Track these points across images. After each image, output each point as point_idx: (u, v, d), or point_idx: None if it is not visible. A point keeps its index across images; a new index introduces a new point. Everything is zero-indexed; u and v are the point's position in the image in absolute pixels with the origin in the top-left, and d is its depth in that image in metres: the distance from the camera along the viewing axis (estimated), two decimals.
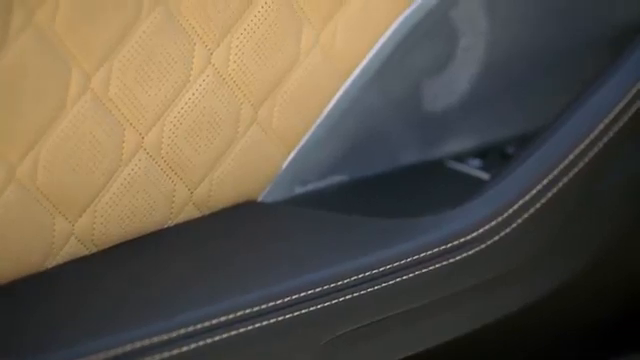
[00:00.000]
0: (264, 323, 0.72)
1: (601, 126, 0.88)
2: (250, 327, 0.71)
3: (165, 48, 0.74)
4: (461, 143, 0.98)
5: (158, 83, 0.75)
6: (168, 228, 0.80)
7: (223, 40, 0.77)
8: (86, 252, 0.76)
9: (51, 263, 0.74)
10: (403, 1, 0.87)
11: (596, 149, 0.88)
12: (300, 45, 0.82)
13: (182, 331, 0.68)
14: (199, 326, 0.69)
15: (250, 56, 0.79)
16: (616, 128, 0.89)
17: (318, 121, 0.86)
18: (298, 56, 0.83)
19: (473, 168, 0.96)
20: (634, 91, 0.89)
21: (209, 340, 0.69)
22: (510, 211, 0.84)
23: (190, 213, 0.80)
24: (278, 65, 0.81)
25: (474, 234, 0.82)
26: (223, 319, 0.70)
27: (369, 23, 0.86)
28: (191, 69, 0.76)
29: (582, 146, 0.88)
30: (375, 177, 0.92)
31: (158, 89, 0.75)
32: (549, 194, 0.86)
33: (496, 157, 0.99)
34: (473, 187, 0.87)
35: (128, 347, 0.66)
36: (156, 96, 0.75)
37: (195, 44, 0.76)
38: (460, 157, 0.97)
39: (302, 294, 0.74)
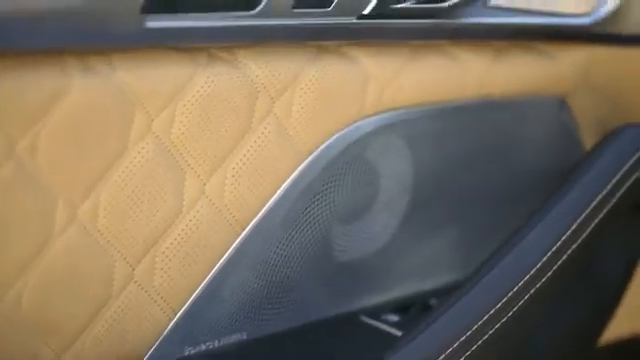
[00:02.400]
0: None
1: (526, 277, 0.82)
2: None
3: None
4: (378, 296, 0.91)
5: None
6: None
7: (89, 195, 0.72)
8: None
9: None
10: (308, 145, 0.82)
11: (520, 301, 0.82)
12: (183, 196, 0.76)
13: None
14: None
15: (123, 210, 0.74)
16: (537, 282, 0.83)
17: (209, 276, 0.80)
18: (181, 208, 0.77)
19: (389, 324, 0.89)
20: (555, 248, 0.83)
21: None
22: None
23: None
24: (157, 219, 0.75)
25: None
26: None
27: (266, 171, 0.80)
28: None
29: (505, 299, 0.82)
30: (280, 334, 0.85)
31: None
32: (473, 348, 0.79)
33: (418, 311, 0.92)
34: (388, 345, 0.80)
35: None
36: None
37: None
38: (377, 311, 0.91)
39: None
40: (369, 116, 0.85)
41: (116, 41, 0.69)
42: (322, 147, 0.83)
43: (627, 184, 0.90)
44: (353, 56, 0.83)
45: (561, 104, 0.98)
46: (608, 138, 0.93)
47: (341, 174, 0.85)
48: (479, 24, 0.88)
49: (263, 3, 0.74)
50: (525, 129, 0.97)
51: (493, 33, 0.90)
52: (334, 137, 0.84)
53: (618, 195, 0.89)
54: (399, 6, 0.82)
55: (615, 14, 0.96)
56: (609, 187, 0.88)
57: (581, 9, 0.95)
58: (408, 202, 0.90)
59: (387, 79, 0.85)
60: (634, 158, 0.90)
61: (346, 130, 0.84)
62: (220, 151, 0.78)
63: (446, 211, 0.93)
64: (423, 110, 0.88)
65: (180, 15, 0.72)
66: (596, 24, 0.95)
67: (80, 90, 0.69)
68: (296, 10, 0.76)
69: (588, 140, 1.00)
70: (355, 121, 0.84)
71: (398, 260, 0.91)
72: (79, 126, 0.69)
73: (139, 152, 0.73)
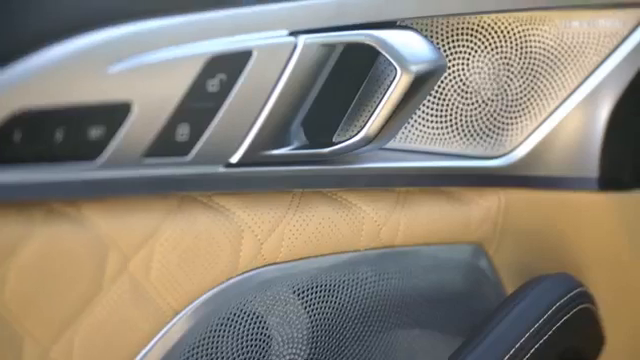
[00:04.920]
0: None
1: None
2: None
3: None
4: None
5: None
6: None
7: None
8: None
9: None
10: (173, 305, 0.74)
11: None
12: None
13: None
14: None
15: None
16: None
17: None
18: None
19: None
20: None
21: None
22: None
23: None
24: None
25: None
26: None
27: (122, 336, 0.72)
28: None
29: None
30: None
31: None
32: None
33: None
34: None
35: None
36: None
37: None
38: None
39: None
40: (246, 271, 0.77)
41: None
42: (190, 307, 0.75)
43: (544, 337, 0.82)
44: (224, 207, 0.75)
45: (476, 251, 0.90)
46: (524, 289, 0.85)
47: (216, 333, 0.77)
48: (373, 169, 0.81)
49: (108, 152, 0.67)
50: (435, 278, 0.88)
51: (391, 179, 0.83)
52: (204, 296, 0.75)
53: (534, 348, 0.81)
54: (273, 153, 0.74)
55: (530, 156, 0.88)
56: (522, 340, 0.81)
57: (493, 151, 0.87)
58: None
59: (265, 231, 0.77)
60: (550, 312, 0.83)
61: (218, 288, 0.76)
62: (64, 316, 0.69)
63: None
64: (311, 263, 0.80)
65: (12, 166, 0.64)
66: (510, 167, 0.88)
67: None
68: (148, 159, 0.69)
69: (512, 288, 0.92)
70: (229, 278, 0.76)
71: None
72: None
73: None
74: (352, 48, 0.76)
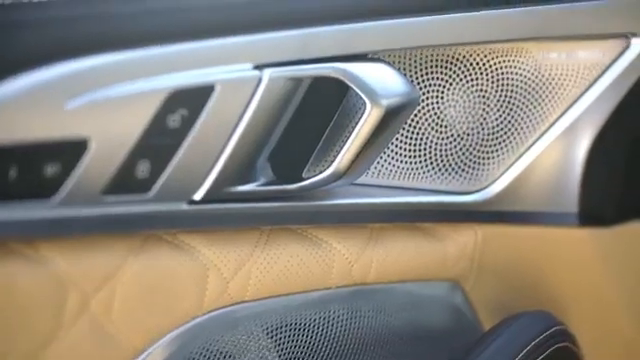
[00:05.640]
0: None
1: None
2: None
3: None
4: None
5: None
6: None
7: None
8: None
9: None
10: (135, 344, 0.72)
11: None
12: None
13: None
14: None
15: None
16: None
17: None
18: None
19: None
20: None
21: None
22: None
23: None
24: None
25: None
26: None
27: None
28: None
29: None
30: None
31: None
32: None
33: None
34: None
35: None
36: None
37: None
38: None
39: None
40: (212, 310, 0.75)
41: None
42: (154, 347, 0.73)
43: None
44: (189, 245, 0.73)
45: (453, 288, 0.87)
46: (501, 326, 0.83)
47: None
48: (344, 205, 0.79)
49: (66, 190, 0.65)
50: (410, 316, 0.86)
51: (363, 215, 0.81)
52: (168, 335, 0.73)
53: None
54: (238, 189, 0.73)
55: (508, 190, 0.86)
56: None
57: (469, 186, 0.85)
58: None
59: (232, 269, 0.75)
60: (527, 349, 0.81)
61: (183, 327, 0.74)
62: (23, 357, 0.67)
63: None
64: (280, 301, 0.78)
65: None
66: (487, 202, 0.86)
67: None
68: (107, 197, 0.67)
69: (490, 325, 0.89)
70: (194, 317, 0.74)
71: None
72: None
73: None
74: (322, 81, 0.74)
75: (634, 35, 0.86)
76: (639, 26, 0.86)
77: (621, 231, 0.91)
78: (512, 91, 0.85)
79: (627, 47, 0.86)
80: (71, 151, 0.65)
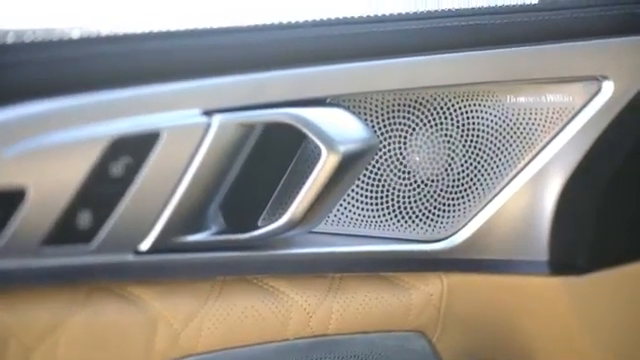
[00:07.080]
0: None
1: None
2: None
3: None
4: None
5: None
6: None
7: None
8: None
9: None
10: None
11: None
12: None
13: None
14: None
15: None
16: None
17: None
18: None
19: None
20: None
21: None
22: None
23: None
24: None
25: None
26: None
27: None
28: None
29: None
30: None
31: None
32: None
33: None
34: None
35: None
36: None
37: None
38: None
39: None
40: None
41: None
42: None
43: None
44: (137, 296, 0.71)
45: (417, 338, 0.85)
46: None
47: None
48: (301, 254, 0.76)
49: (3, 240, 0.63)
50: None
51: (321, 264, 0.78)
52: None
53: None
54: (188, 239, 0.70)
55: (474, 238, 0.83)
56: None
57: (434, 234, 0.83)
58: None
59: (182, 321, 0.72)
60: None
61: None
62: None
63: None
64: (234, 353, 0.76)
65: None
66: (453, 250, 0.83)
67: None
68: (47, 248, 0.65)
69: None
70: None
71: None
72: None
73: None
74: (277, 126, 0.72)
75: (605, 78, 0.83)
76: (610, 69, 0.84)
77: (593, 279, 0.88)
78: (478, 136, 0.82)
79: (598, 90, 0.84)
80: (8, 200, 0.62)
